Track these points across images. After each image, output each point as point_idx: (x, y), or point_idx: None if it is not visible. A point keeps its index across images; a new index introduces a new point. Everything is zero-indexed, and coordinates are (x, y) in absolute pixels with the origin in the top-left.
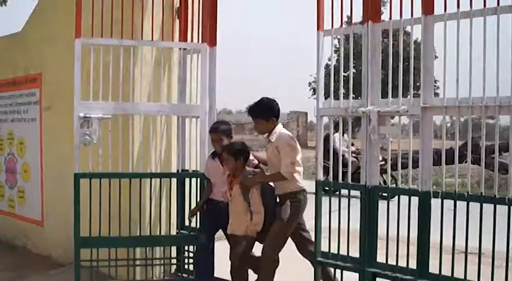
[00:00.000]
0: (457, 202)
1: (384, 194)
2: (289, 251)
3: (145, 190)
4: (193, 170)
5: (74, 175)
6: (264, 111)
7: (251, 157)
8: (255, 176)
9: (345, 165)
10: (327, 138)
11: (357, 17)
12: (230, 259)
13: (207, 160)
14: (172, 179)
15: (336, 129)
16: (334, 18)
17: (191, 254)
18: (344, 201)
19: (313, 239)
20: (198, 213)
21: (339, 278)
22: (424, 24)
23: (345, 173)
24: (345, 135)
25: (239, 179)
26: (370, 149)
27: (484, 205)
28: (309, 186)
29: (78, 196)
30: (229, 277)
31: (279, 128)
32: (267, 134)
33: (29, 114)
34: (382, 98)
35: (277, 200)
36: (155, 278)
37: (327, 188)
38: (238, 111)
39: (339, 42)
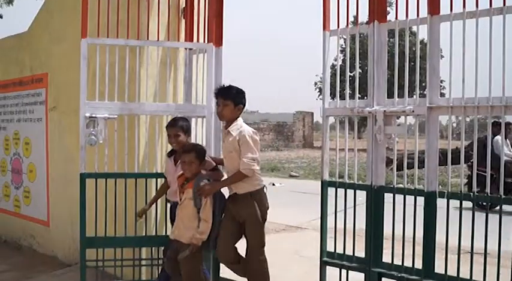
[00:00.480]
0: (463, 201)
1: (483, 203)
2: (290, 251)
3: (151, 190)
4: None
5: (80, 175)
6: (236, 94)
7: (208, 158)
8: (216, 183)
9: (509, 174)
10: (481, 142)
11: (363, 17)
12: (164, 265)
13: (166, 157)
14: None
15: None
16: (340, 19)
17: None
18: (350, 201)
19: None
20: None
21: (345, 279)
22: (430, 24)
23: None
24: (507, 139)
25: (192, 183)
26: (376, 149)
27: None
28: (316, 186)
29: (84, 196)
30: (234, 277)
31: (241, 121)
32: (224, 125)
33: (35, 115)
34: (388, 98)
35: (231, 199)
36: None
37: (483, 203)
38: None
39: (344, 42)
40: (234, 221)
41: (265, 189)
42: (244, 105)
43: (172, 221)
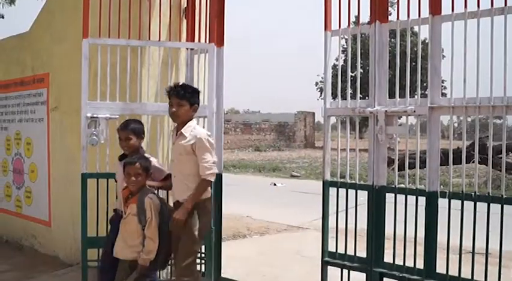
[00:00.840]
0: (464, 202)
1: None
2: (292, 251)
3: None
4: None
5: (81, 175)
6: (192, 94)
7: (161, 167)
8: (184, 205)
9: None
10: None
11: (365, 17)
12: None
13: (117, 161)
14: None
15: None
16: (341, 19)
17: (198, 255)
18: (351, 201)
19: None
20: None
21: (346, 279)
22: (432, 24)
23: None
24: None
25: (136, 197)
26: (378, 149)
27: (491, 205)
28: (318, 186)
29: (85, 196)
30: (237, 278)
31: (195, 123)
32: (175, 126)
33: (36, 115)
34: (389, 98)
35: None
36: (162, 278)
37: None
38: (246, 111)
39: (346, 42)
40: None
41: (211, 201)
42: (198, 106)
43: (112, 232)
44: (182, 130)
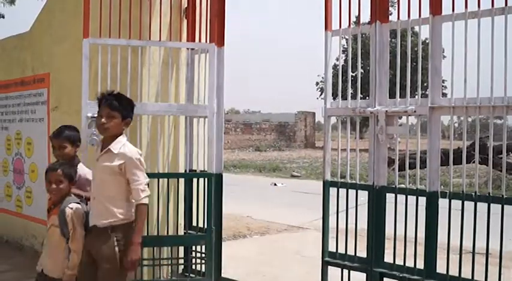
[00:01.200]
0: (465, 202)
1: None
2: (292, 251)
3: (152, 190)
4: (201, 170)
5: None
6: (126, 106)
7: (87, 176)
8: (133, 240)
9: None
10: None
11: (365, 17)
12: None
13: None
14: (180, 179)
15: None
16: (342, 19)
17: (198, 255)
18: (351, 201)
19: None
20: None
21: (346, 279)
22: (432, 25)
23: None
24: None
25: (58, 208)
26: (378, 149)
27: (491, 205)
28: (318, 186)
29: None
30: (237, 277)
31: (125, 138)
32: (102, 139)
33: (36, 115)
34: (390, 98)
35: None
36: (162, 278)
37: None
38: (246, 111)
39: (346, 42)
40: (90, 258)
41: (133, 226)
42: (131, 119)
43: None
44: (110, 146)
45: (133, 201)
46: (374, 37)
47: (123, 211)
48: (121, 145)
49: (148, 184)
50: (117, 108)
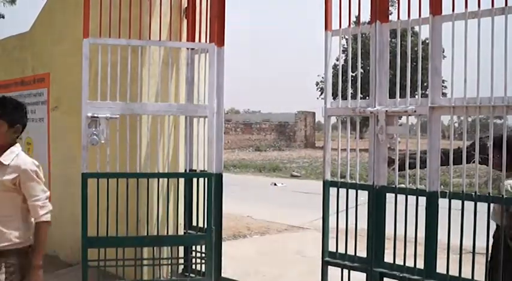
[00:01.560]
0: (465, 202)
1: None
2: (292, 251)
3: (152, 190)
4: (201, 170)
5: (82, 175)
6: (13, 111)
7: None
8: (35, 262)
9: None
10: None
11: (365, 17)
12: None
13: None
14: (180, 179)
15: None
16: (342, 18)
17: (198, 254)
18: (351, 201)
19: None
20: (206, 214)
21: (347, 279)
22: (432, 24)
23: None
24: None
25: None
26: (378, 149)
27: (491, 205)
28: (318, 186)
29: (85, 196)
30: (237, 277)
31: (18, 148)
32: None
33: (36, 114)
34: (390, 98)
35: None
36: (162, 278)
37: None
38: (246, 111)
39: (346, 42)
40: None
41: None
42: (23, 127)
43: None
44: (0, 158)
45: (33, 220)
46: (374, 37)
47: (20, 234)
48: (14, 156)
49: (49, 198)
50: (2, 115)
